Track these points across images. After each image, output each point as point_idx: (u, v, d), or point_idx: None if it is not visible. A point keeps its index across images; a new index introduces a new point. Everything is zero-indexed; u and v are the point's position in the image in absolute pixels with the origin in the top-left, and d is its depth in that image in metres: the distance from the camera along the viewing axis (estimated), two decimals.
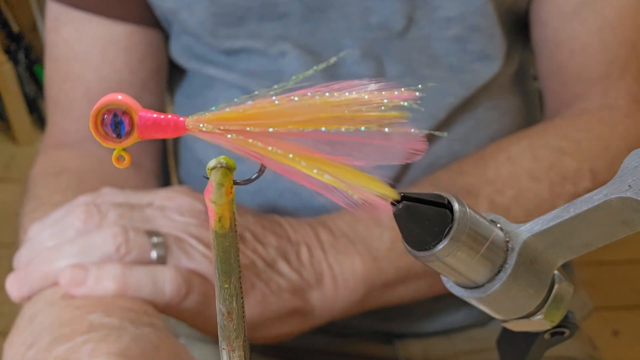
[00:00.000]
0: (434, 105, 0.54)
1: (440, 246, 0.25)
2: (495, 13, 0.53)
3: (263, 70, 0.55)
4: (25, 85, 2.04)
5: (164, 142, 0.65)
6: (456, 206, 0.25)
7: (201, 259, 0.42)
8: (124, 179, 0.55)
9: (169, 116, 0.21)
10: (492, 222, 0.27)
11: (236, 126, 0.20)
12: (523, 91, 0.62)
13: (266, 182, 0.57)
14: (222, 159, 0.21)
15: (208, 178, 0.21)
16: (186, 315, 0.42)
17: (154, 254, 0.41)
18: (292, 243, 0.45)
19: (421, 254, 0.26)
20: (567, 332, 0.29)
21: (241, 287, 0.24)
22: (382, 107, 0.20)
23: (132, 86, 0.57)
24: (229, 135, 0.20)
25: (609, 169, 0.51)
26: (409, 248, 0.26)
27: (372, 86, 0.20)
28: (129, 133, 0.21)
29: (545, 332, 0.29)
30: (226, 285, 0.23)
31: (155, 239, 0.41)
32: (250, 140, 0.20)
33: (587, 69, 0.55)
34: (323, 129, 0.20)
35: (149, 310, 0.40)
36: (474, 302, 0.27)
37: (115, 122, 0.21)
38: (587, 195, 0.26)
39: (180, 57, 0.58)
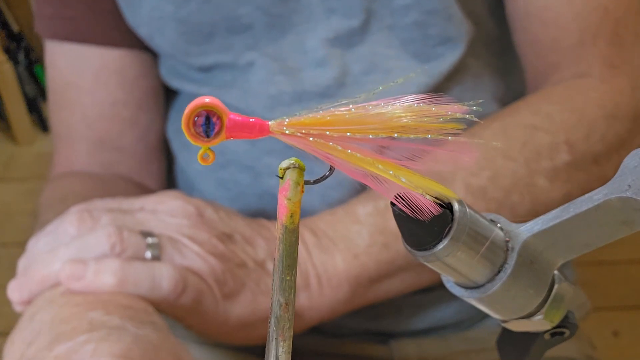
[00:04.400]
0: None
1: (441, 246, 0.25)
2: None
3: (233, 82, 0.56)
4: (25, 85, 2.04)
5: (168, 163, 0.66)
6: (456, 206, 0.25)
7: (195, 258, 0.42)
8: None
9: (255, 119, 0.23)
10: (492, 222, 0.27)
11: (316, 130, 0.22)
12: (505, 69, 0.61)
13: (245, 187, 0.57)
14: (293, 159, 0.24)
15: (280, 177, 0.24)
16: (181, 312, 0.42)
17: (148, 254, 0.41)
18: None
19: (421, 254, 0.26)
20: (567, 332, 0.29)
21: (295, 280, 0.25)
22: (441, 119, 0.22)
23: (127, 106, 0.58)
24: (310, 138, 0.22)
25: (587, 139, 0.50)
26: (409, 248, 0.26)
27: (434, 100, 0.23)
28: (218, 133, 0.23)
29: (545, 332, 0.29)
30: (288, 277, 0.25)
31: (149, 239, 0.42)
32: (331, 143, 0.22)
33: (560, 38, 0.54)
34: (395, 135, 0.22)
35: (149, 309, 0.40)
36: (474, 302, 0.27)
37: (206, 124, 0.22)
38: (587, 195, 0.26)
39: (166, 77, 0.60)
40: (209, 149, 0.23)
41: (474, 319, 0.62)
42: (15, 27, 2.05)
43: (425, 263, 0.26)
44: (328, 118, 0.22)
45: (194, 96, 0.58)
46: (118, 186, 0.58)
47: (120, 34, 0.57)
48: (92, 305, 0.38)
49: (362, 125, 0.22)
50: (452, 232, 0.25)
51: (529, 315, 0.28)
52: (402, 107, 0.23)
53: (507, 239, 0.27)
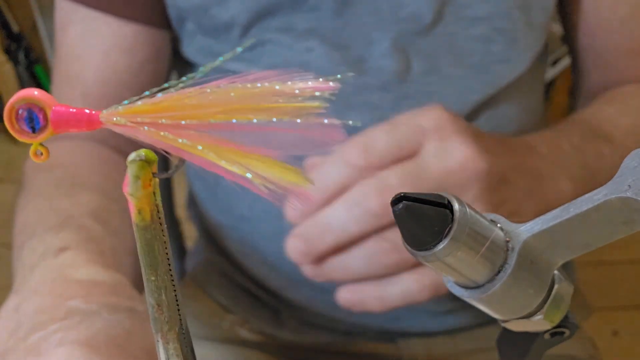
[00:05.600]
0: (458, 101, 0.54)
1: (441, 246, 0.25)
2: (522, 19, 0.54)
3: (287, 65, 0.54)
4: (25, 85, 2.04)
5: None
6: (456, 206, 0.25)
7: None
8: (117, 171, 0.55)
9: (83, 110, 0.21)
10: (492, 222, 0.27)
11: (150, 118, 0.20)
12: (539, 89, 0.62)
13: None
14: (142, 151, 0.21)
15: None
16: None
17: None
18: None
19: (421, 253, 0.26)
20: (567, 332, 0.29)
21: (173, 279, 0.23)
22: (300, 98, 0.20)
23: (131, 89, 0.56)
24: (144, 128, 0.20)
25: None
26: (409, 248, 0.26)
27: (289, 77, 0.20)
28: (44, 128, 0.21)
29: (545, 332, 0.29)
30: (152, 278, 0.23)
31: None
32: (162, 133, 0.20)
33: (629, 45, 0.60)
34: (234, 120, 0.19)
35: (134, 295, 0.39)
36: (474, 302, 0.27)
37: (30, 118, 0.21)
38: (587, 195, 0.26)
39: (195, 56, 0.57)
40: (41, 145, 0.21)
41: (486, 323, 0.62)
42: (15, 28, 2.05)
43: (425, 263, 0.26)
44: (165, 104, 0.20)
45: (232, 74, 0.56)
46: (109, 159, 0.56)
47: (140, 8, 0.54)
48: (73, 293, 0.37)
49: (200, 110, 0.20)
50: (452, 232, 0.25)
51: (529, 315, 0.28)
52: (250, 87, 0.20)
53: (507, 239, 0.27)
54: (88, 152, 0.55)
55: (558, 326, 0.28)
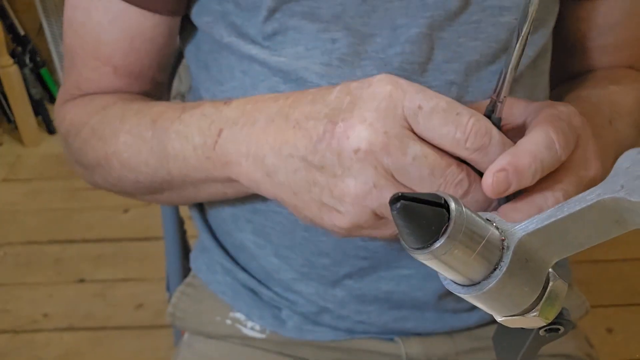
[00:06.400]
0: (479, 92, 0.54)
1: (437, 244, 0.26)
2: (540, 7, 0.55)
3: (310, 54, 0.52)
4: (31, 87, 2.05)
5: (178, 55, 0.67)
6: (453, 205, 0.26)
7: None
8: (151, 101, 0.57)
9: None
10: (488, 221, 0.27)
11: None
12: (545, 90, 0.63)
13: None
14: None
15: None
16: None
17: None
18: None
19: (419, 252, 0.26)
20: (562, 329, 0.30)
21: None
22: None
23: (152, 69, 0.59)
24: None
25: None
26: (407, 246, 0.27)
27: None
28: None
29: (540, 328, 0.30)
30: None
31: None
32: None
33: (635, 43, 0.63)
34: None
35: None
36: (470, 300, 0.28)
37: None
38: (580, 195, 0.26)
39: (220, 32, 0.55)
40: None
41: (488, 322, 0.62)
42: (21, 31, 2.07)
43: (423, 261, 0.27)
44: None
45: (255, 65, 0.54)
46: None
47: (164, 1, 0.55)
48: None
49: None
50: (448, 231, 0.26)
51: (524, 313, 0.28)
52: None
53: (503, 237, 0.27)
54: (124, 96, 0.58)
55: (553, 323, 0.29)
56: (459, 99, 0.53)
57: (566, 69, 0.65)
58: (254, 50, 0.53)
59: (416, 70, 0.53)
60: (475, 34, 0.54)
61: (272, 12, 0.52)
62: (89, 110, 0.56)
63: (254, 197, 0.58)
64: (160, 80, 0.61)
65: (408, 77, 0.53)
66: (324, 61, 0.52)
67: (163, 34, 0.58)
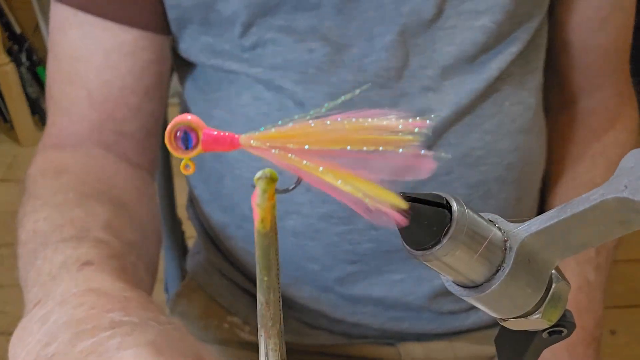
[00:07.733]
0: (456, 95, 0.54)
1: (439, 246, 0.25)
2: (516, 14, 0.55)
3: (288, 64, 0.54)
4: (27, 86, 2.05)
5: (163, 143, 0.64)
6: (455, 206, 0.26)
7: None
8: (123, 179, 0.54)
9: (227, 134, 0.25)
10: (490, 221, 0.27)
11: (279, 143, 0.24)
12: (537, 88, 0.63)
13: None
14: (267, 171, 0.25)
15: (254, 186, 0.25)
16: None
17: None
18: None
19: (420, 253, 0.26)
20: (565, 331, 0.29)
21: (279, 282, 0.27)
22: (399, 133, 0.24)
23: (135, 93, 0.56)
24: (273, 151, 0.24)
25: None
26: (408, 247, 0.26)
27: (391, 114, 0.24)
28: (195, 146, 0.26)
29: (543, 330, 0.29)
30: (265, 278, 0.26)
31: None
32: (290, 155, 0.24)
33: (605, 64, 0.64)
34: (348, 147, 0.24)
35: (165, 312, 0.39)
36: (473, 301, 0.27)
37: (185, 138, 0.26)
38: (584, 196, 0.26)
39: (198, 56, 0.57)
40: (190, 160, 0.26)
41: (488, 325, 0.62)
42: (17, 29, 2.06)
43: (424, 262, 0.26)
44: (292, 132, 0.24)
45: (234, 74, 0.55)
46: (116, 168, 0.56)
47: (139, 13, 0.54)
48: (109, 307, 0.37)
49: (320, 138, 0.24)
50: (450, 232, 0.25)
51: (526, 314, 0.28)
52: (360, 122, 0.24)
53: (505, 238, 0.27)
54: (93, 159, 0.55)
55: (556, 325, 0.29)
56: (435, 104, 0.54)
57: (564, 84, 0.66)
58: (234, 65, 0.55)
59: (392, 77, 0.54)
60: (451, 39, 0.55)
61: (248, 27, 0.53)
62: (38, 181, 0.54)
63: (242, 205, 0.57)
64: (148, 111, 0.58)
65: (384, 84, 0.54)
66: (301, 69, 0.53)
67: (147, 50, 0.56)
